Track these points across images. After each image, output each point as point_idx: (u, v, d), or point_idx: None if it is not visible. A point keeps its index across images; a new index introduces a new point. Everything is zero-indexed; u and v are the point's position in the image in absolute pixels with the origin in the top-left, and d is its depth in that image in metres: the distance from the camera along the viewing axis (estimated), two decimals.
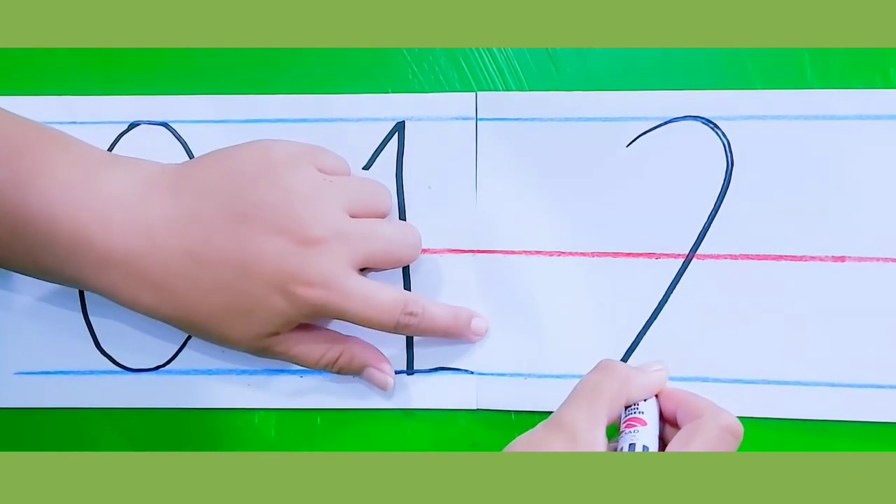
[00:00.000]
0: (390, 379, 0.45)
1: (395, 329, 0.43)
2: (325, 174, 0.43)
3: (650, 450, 0.38)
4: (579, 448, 0.37)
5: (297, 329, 0.43)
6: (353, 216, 0.42)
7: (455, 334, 0.45)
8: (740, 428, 0.38)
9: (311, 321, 0.44)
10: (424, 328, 0.44)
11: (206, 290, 0.41)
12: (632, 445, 0.37)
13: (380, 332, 0.43)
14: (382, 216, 0.44)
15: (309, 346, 0.44)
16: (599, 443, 0.37)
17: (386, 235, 0.43)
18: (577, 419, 0.37)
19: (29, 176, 0.40)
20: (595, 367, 0.40)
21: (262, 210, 0.41)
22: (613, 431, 0.39)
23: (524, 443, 0.38)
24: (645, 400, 0.40)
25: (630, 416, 0.39)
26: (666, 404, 0.40)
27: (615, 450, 0.38)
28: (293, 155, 0.42)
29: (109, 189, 0.41)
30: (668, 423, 0.40)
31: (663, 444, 0.39)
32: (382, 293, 0.42)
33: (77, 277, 0.41)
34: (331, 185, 0.42)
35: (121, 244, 0.40)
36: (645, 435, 0.38)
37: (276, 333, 0.43)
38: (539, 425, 0.38)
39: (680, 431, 0.38)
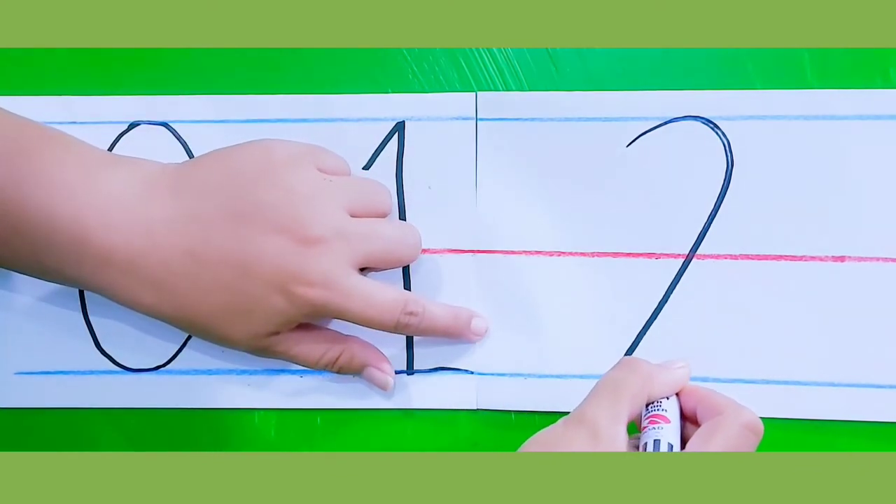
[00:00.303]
0: (390, 379, 0.45)
1: (395, 329, 0.43)
2: (325, 174, 0.43)
3: (675, 447, 0.37)
4: (601, 444, 0.36)
5: (297, 329, 0.43)
6: (353, 216, 0.42)
7: (455, 334, 0.45)
8: (761, 425, 0.37)
9: (311, 321, 0.44)
10: (425, 328, 0.44)
11: (207, 289, 0.41)
12: (657, 441, 0.37)
13: (380, 332, 0.43)
14: (383, 216, 0.44)
15: (309, 346, 0.44)
16: (621, 439, 0.37)
17: (386, 235, 0.43)
18: (599, 415, 0.37)
19: (30, 175, 0.40)
20: (617, 363, 0.40)
21: (262, 209, 0.41)
22: (633, 429, 0.39)
23: (544, 439, 0.38)
24: (667, 398, 0.39)
25: (653, 412, 0.39)
26: (686, 401, 0.40)
27: (636, 446, 0.38)
28: (294, 155, 0.42)
29: (110, 188, 0.41)
30: (688, 421, 0.40)
31: (683, 441, 0.39)
32: (383, 293, 0.42)
33: (77, 277, 0.41)
34: (331, 184, 0.42)
35: (121, 243, 0.40)
36: (669, 432, 0.38)
37: (277, 333, 0.43)
38: (559, 421, 0.38)
39: (700, 428, 0.38)
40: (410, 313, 0.43)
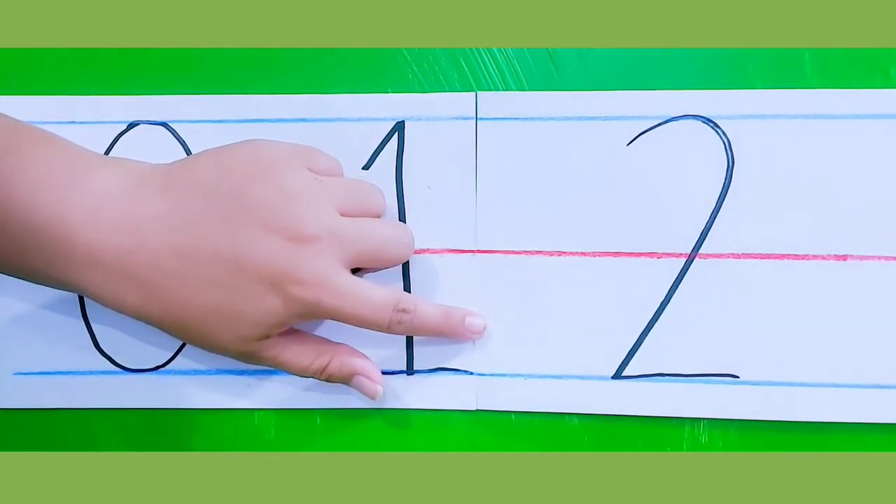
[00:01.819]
0: (379, 387, 0.45)
1: (388, 328, 0.43)
2: (316, 174, 0.43)
3: None
4: None
5: (285, 334, 0.43)
6: (344, 216, 0.42)
7: (447, 333, 0.45)
8: None
9: (302, 321, 0.43)
10: (416, 326, 0.44)
11: (196, 288, 0.40)
12: None
13: (380, 332, 0.43)
14: (375, 217, 0.44)
15: (298, 353, 0.43)
16: None
17: (378, 234, 0.43)
18: None
19: (18, 174, 0.39)
20: None
21: (254, 208, 0.40)
22: None
23: None
24: None
25: None
26: None
27: None
28: (285, 155, 0.42)
29: (97, 187, 0.40)
30: None
31: None
32: (375, 292, 0.42)
33: (64, 278, 0.41)
34: (322, 184, 0.42)
35: (108, 242, 0.40)
36: None
37: (266, 337, 0.42)
38: None
39: None
40: (402, 310, 0.43)
